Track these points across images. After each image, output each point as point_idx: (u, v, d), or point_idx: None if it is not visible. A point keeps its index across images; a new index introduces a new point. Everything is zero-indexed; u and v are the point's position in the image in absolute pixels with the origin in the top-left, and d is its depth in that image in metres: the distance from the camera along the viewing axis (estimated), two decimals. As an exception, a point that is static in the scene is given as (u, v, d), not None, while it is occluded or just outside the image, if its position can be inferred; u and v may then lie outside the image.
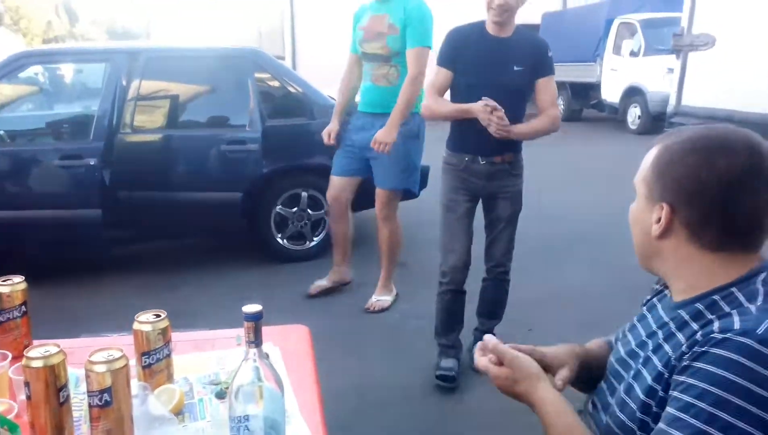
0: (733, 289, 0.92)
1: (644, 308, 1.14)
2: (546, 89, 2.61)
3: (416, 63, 3.18)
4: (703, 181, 0.92)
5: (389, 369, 2.96)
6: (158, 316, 1.27)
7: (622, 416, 0.99)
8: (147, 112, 4.28)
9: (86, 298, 3.84)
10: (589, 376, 1.16)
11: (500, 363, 1.07)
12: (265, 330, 1.64)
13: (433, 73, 2.67)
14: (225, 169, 4.13)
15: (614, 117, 12.47)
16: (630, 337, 1.10)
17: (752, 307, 0.88)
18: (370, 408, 2.66)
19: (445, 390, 2.77)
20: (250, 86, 4.15)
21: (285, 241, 4.38)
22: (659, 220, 0.97)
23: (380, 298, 3.65)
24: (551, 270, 4.29)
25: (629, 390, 1.00)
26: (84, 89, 4.83)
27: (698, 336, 0.89)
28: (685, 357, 0.88)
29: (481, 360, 1.09)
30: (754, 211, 0.92)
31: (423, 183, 4.75)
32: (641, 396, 0.95)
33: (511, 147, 2.64)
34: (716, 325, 0.88)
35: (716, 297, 0.93)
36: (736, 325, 0.85)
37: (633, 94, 11.41)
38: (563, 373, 1.10)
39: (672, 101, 3.18)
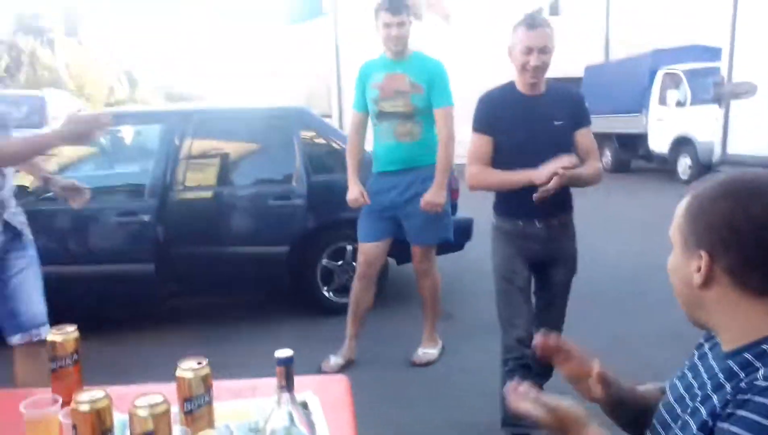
0: None
1: (695, 357, 1.12)
2: (587, 139, 2.55)
3: (448, 122, 3.26)
4: (738, 226, 0.91)
5: (433, 423, 2.92)
6: (200, 363, 1.31)
7: None
8: (198, 170, 4.47)
9: (131, 349, 3.94)
10: (628, 415, 1.15)
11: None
12: (306, 380, 1.68)
13: (472, 141, 2.55)
14: (272, 224, 4.24)
15: (663, 168, 12.27)
16: (679, 385, 1.08)
17: None
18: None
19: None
20: (296, 143, 4.29)
21: (331, 293, 4.43)
22: (699, 268, 0.95)
23: (426, 351, 3.62)
24: (595, 319, 4.19)
25: None
26: (141, 150, 5.09)
27: (743, 384, 0.87)
28: (730, 405, 0.87)
29: (522, 404, 1.09)
30: None
31: (467, 235, 4.77)
32: None
33: (565, 208, 2.57)
34: (761, 372, 0.86)
35: (765, 347, 0.91)
36: None
37: (682, 144, 11.23)
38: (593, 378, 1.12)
39: (717, 150, 3.13)
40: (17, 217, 2.35)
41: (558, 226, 2.53)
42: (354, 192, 3.38)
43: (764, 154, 2.86)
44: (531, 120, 2.47)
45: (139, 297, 4.12)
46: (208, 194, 4.40)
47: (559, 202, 2.48)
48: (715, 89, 3.10)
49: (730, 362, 0.95)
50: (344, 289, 4.38)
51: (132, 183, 4.52)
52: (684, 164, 11.21)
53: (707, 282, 0.95)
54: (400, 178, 3.34)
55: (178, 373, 1.29)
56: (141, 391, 1.26)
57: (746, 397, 0.84)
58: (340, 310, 4.34)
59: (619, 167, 13.40)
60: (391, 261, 4.56)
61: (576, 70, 14.83)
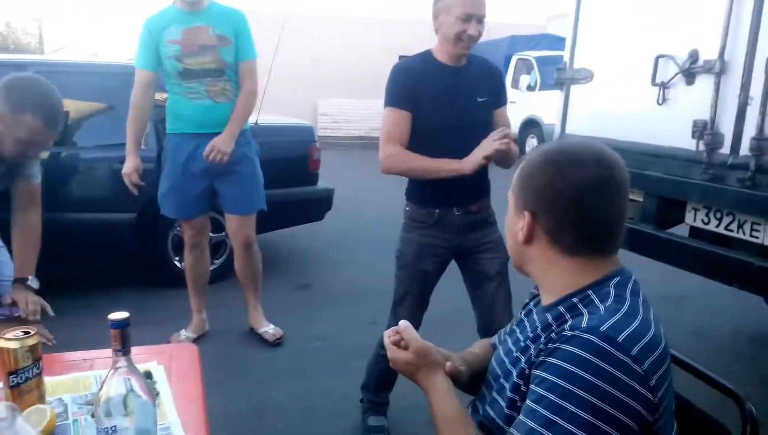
0: (589, 292, 1.00)
1: (522, 313, 1.20)
2: (503, 119, 2.29)
3: (252, 76, 3.09)
4: (556, 190, 1.00)
5: (289, 393, 2.91)
6: (27, 332, 1.21)
7: (492, 413, 1.05)
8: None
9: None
10: (480, 382, 1.22)
11: (405, 346, 1.13)
12: (152, 349, 1.61)
13: (386, 117, 2.20)
14: (117, 189, 3.96)
15: (514, 147, 13.09)
16: (509, 340, 1.16)
17: (601, 307, 0.96)
18: (267, 430, 2.61)
19: (346, 413, 2.75)
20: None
21: (182, 263, 4.25)
22: (523, 227, 1.04)
23: (267, 330, 3.44)
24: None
25: (500, 389, 1.06)
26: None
27: (554, 334, 0.96)
28: (542, 353, 0.95)
29: (387, 341, 1.15)
30: (604, 218, 1.00)
31: (327, 206, 4.80)
32: (508, 393, 1.02)
33: (485, 192, 2.32)
34: (569, 323, 0.96)
35: (575, 299, 1.01)
36: (583, 323, 0.93)
37: (531, 125, 12.05)
38: (458, 366, 1.18)
39: (557, 130, 3.39)
40: None
41: (479, 211, 2.29)
42: (130, 165, 3.07)
43: (592, 135, 3.14)
44: (454, 95, 2.18)
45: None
46: (44, 156, 4.01)
47: (477, 187, 2.27)
48: (557, 74, 3.33)
49: (548, 315, 1.05)
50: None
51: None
52: (531, 144, 12.04)
53: (529, 239, 1.05)
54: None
55: (1, 343, 1.18)
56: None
57: (555, 345, 0.93)
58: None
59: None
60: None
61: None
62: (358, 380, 2.64)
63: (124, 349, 0.88)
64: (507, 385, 1.04)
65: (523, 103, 12.34)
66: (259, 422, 2.65)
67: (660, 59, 2.75)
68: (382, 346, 2.21)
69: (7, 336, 1.18)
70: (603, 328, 0.91)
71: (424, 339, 1.14)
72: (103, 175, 3.97)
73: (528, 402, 0.93)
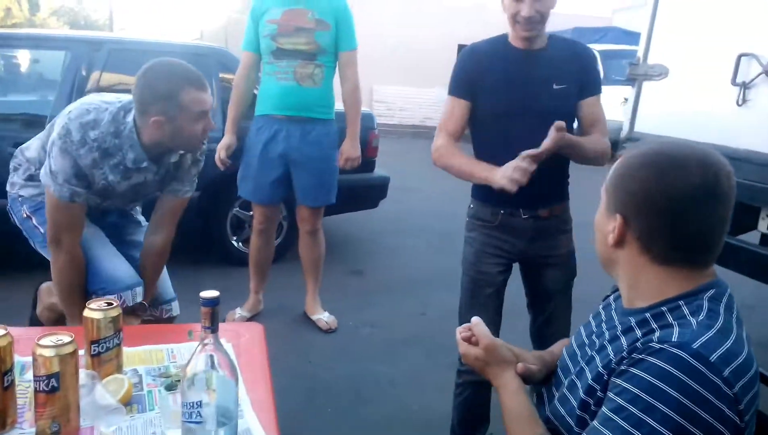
0: (680, 302, 0.95)
1: (600, 306, 1.17)
2: (594, 111, 2.03)
3: (353, 67, 3.04)
4: (651, 196, 0.95)
5: (340, 374, 2.96)
6: (110, 304, 1.25)
7: (562, 411, 1.04)
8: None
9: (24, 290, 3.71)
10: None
11: (476, 342, 1.15)
12: (222, 326, 1.65)
13: (445, 105, 2.07)
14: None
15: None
16: (583, 332, 1.14)
17: (693, 321, 0.91)
18: (318, 410, 2.65)
19: (393, 398, 2.78)
20: (214, 85, 4.10)
21: (240, 244, 4.34)
22: (614, 229, 1.00)
23: (321, 317, 3.45)
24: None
25: (572, 386, 1.04)
26: (41, 79, 4.70)
27: (639, 343, 0.92)
28: (624, 361, 0.92)
29: (459, 337, 1.18)
30: (701, 228, 0.94)
31: (383, 194, 4.80)
32: (581, 394, 0.99)
33: (560, 195, 2.09)
34: (657, 334, 0.92)
35: (664, 308, 0.96)
36: (674, 337, 0.89)
37: (590, 121, 11.75)
38: (529, 367, 1.16)
39: (625, 127, 3.29)
40: None
41: (549, 217, 2.04)
42: (222, 142, 3.13)
43: (664, 134, 3.03)
44: (524, 81, 1.98)
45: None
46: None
47: (550, 189, 2.03)
48: (630, 69, 3.23)
49: (630, 318, 1.01)
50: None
51: (30, 113, 4.18)
52: (590, 141, 11.75)
53: (619, 243, 1.00)
54: (296, 127, 3.07)
55: (86, 313, 1.23)
56: (45, 332, 1.19)
57: (641, 356, 0.89)
58: (248, 261, 4.27)
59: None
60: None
61: (497, 40, 15.04)
62: (406, 368, 2.65)
63: (212, 327, 0.90)
64: (580, 385, 1.01)
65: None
66: (309, 403, 2.70)
67: (742, 58, 2.63)
68: (458, 375, 2.15)
69: (92, 306, 1.23)
70: (695, 344, 0.87)
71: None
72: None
73: (605, 410, 0.90)
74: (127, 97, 1.92)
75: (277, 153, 3.11)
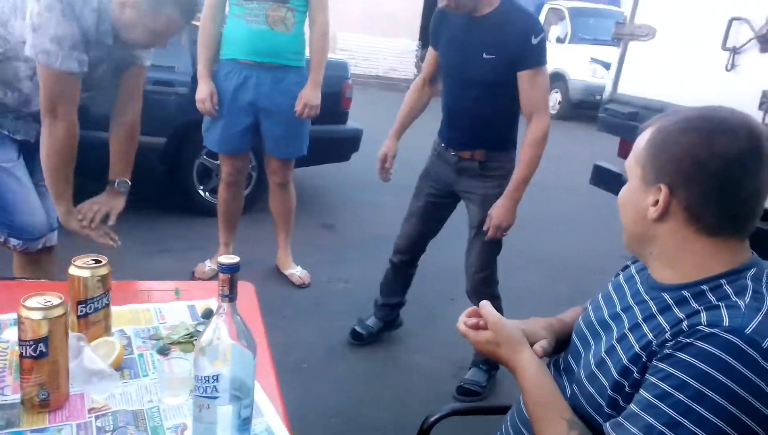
0: (722, 281, 0.91)
1: (621, 276, 1.13)
2: (530, 86, 2.12)
3: (324, 11, 2.88)
4: (702, 161, 0.89)
5: (314, 329, 2.92)
6: (98, 261, 1.15)
7: (591, 389, 0.99)
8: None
9: None
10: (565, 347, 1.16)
11: (484, 326, 1.07)
12: (209, 285, 1.56)
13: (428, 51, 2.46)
14: (148, 112, 3.84)
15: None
16: (603, 304, 1.09)
17: (741, 304, 0.87)
18: (293, 365, 2.61)
19: (369, 353, 2.76)
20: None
21: (207, 193, 4.19)
22: (656, 202, 0.94)
23: (293, 272, 3.37)
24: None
25: (600, 364, 0.99)
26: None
27: (684, 326, 0.87)
28: (668, 345, 0.87)
29: (461, 326, 1.09)
30: (752, 193, 0.91)
31: (355, 146, 4.69)
32: (615, 374, 0.94)
33: (484, 143, 2.27)
34: (704, 317, 0.87)
35: (704, 287, 0.92)
36: (725, 322, 0.84)
37: (555, 79, 11.69)
38: (542, 343, 1.10)
39: (608, 88, 3.25)
40: None
41: (470, 160, 2.30)
42: (203, 91, 2.92)
43: (648, 96, 3.01)
44: (461, 46, 2.15)
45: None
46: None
47: (475, 137, 2.26)
48: (616, 28, 3.18)
49: (665, 295, 0.96)
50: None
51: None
52: (554, 99, 11.76)
53: (663, 216, 0.94)
54: (267, 73, 2.91)
55: (72, 271, 1.13)
56: (27, 288, 1.09)
57: (689, 340, 0.85)
58: (215, 212, 4.13)
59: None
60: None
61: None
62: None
63: (231, 295, 0.82)
64: (611, 364, 0.95)
65: (550, 55, 11.96)
66: (284, 358, 2.65)
67: (734, 22, 2.60)
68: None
69: (78, 263, 1.13)
70: (748, 330, 0.82)
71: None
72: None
73: (647, 395, 0.85)
74: None
75: (246, 101, 2.95)
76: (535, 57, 2.11)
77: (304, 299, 3.23)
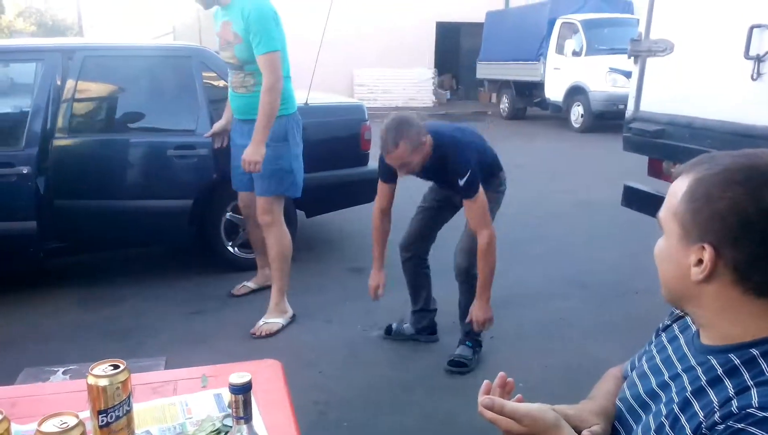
0: None
1: (663, 336, 1.05)
2: (469, 211, 2.67)
3: (268, 71, 3.02)
4: (748, 217, 0.82)
5: (352, 383, 2.85)
6: (116, 366, 1.11)
7: None
8: (85, 115, 4.00)
9: (25, 318, 3.56)
10: None
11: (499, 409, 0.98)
12: (230, 368, 1.51)
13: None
14: (172, 176, 3.89)
15: (557, 115, 12.71)
16: (649, 371, 1.01)
17: None
18: (334, 424, 2.54)
19: (412, 404, 2.67)
20: (198, 87, 3.93)
21: (235, 248, 4.20)
22: (699, 261, 0.86)
23: (268, 321, 3.33)
24: (504, 269, 4.27)
25: None
26: (12, 90, 4.48)
27: (734, 407, 0.80)
28: (718, 428, 0.79)
29: (487, 414, 0.99)
30: None
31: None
32: None
33: (450, 172, 2.66)
34: (755, 398, 0.79)
35: (754, 351, 0.84)
36: None
37: (576, 93, 11.62)
38: (595, 429, 1.00)
39: (630, 106, 3.17)
40: None
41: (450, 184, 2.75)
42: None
43: (672, 112, 2.92)
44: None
45: (21, 258, 3.70)
46: (96, 142, 3.95)
47: (452, 169, 2.63)
48: (632, 45, 3.10)
49: (711, 359, 0.89)
50: (249, 244, 4.18)
51: (4, 128, 3.98)
52: (576, 113, 11.64)
53: (708, 277, 0.87)
54: (245, 125, 3.29)
55: (91, 380, 1.09)
56: (44, 390, 1.06)
57: (740, 425, 0.77)
58: (244, 266, 4.14)
59: (516, 114, 13.75)
60: (301, 214, 4.39)
61: (478, 16, 14.87)
62: (419, 371, 2.56)
63: (246, 416, 0.77)
64: None
65: (568, 69, 11.91)
66: (322, 419, 2.58)
67: (755, 29, 2.51)
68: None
69: (96, 372, 1.09)
70: None
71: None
72: (160, 162, 3.88)
73: None
74: None
75: (240, 146, 3.28)
76: (465, 193, 2.62)
77: (339, 351, 3.18)
